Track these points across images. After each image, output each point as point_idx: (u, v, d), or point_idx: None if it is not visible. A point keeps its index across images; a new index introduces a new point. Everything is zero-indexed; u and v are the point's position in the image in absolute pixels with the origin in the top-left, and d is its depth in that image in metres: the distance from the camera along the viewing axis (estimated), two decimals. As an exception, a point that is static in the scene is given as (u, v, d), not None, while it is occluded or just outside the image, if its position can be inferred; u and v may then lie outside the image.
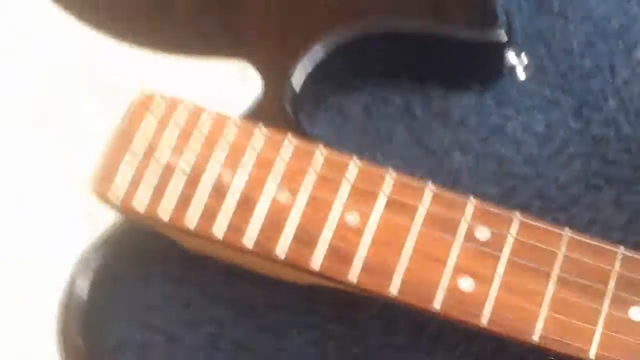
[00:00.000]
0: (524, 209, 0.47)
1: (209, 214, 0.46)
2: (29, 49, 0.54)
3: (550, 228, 0.44)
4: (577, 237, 0.43)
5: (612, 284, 0.42)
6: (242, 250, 0.46)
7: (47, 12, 0.55)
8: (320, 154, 0.47)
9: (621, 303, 0.42)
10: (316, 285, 0.48)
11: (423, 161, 0.56)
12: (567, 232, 0.43)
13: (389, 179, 0.46)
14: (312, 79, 0.53)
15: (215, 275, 0.54)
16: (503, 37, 0.54)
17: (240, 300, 0.54)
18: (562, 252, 0.43)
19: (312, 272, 0.45)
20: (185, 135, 0.48)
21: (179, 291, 0.54)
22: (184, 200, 0.46)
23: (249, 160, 0.47)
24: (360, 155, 0.50)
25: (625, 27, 0.60)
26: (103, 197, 0.48)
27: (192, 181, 0.47)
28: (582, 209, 0.54)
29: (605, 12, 0.61)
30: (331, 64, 0.54)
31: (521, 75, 0.57)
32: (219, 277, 0.54)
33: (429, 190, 0.45)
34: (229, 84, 0.52)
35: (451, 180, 0.54)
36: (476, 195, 0.46)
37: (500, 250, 0.43)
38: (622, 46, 0.59)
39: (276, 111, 0.52)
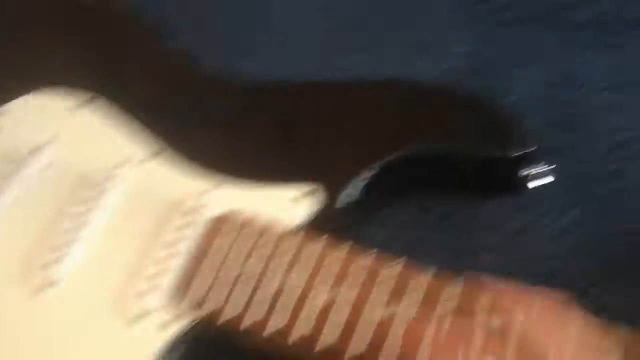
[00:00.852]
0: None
1: (268, 311, 0.55)
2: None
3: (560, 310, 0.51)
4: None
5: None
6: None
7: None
8: (369, 256, 0.56)
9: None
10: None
11: (457, 263, 0.63)
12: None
13: (423, 279, 0.54)
14: (364, 193, 0.63)
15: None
16: (525, 152, 0.64)
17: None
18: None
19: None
20: (258, 249, 0.57)
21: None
22: (260, 309, 0.55)
23: (308, 264, 0.56)
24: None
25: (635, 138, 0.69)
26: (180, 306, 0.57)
27: (257, 286, 0.56)
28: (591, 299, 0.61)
29: (622, 125, 0.69)
30: (380, 181, 0.64)
31: (542, 183, 0.66)
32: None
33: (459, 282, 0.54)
34: (294, 199, 0.62)
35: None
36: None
37: (509, 336, 0.50)
38: (635, 154, 0.68)
39: (331, 222, 0.61)
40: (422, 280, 0.54)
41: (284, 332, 0.54)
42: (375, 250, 0.56)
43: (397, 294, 0.54)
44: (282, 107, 0.69)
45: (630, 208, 0.65)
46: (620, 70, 0.73)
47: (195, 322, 0.56)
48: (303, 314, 0.54)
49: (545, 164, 0.68)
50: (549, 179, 0.67)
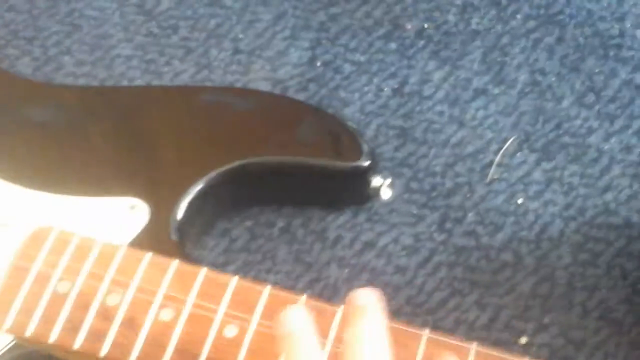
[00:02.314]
0: (396, 314, 0.51)
1: (96, 335, 0.49)
2: None
3: (410, 329, 0.48)
4: (434, 336, 0.47)
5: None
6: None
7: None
8: (201, 274, 0.50)
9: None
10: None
11: (303, 276, 0.60)
12: (426, 333, 0.47)
13: (265, 294, 0.49)
14: (196, 207, 0.58)
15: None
16: (364, 164, 0.61)
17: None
18: (420, 350, 0.47)
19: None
20: (75, 265, 0.51)
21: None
22: (73, 324, 0.49)
23: (133, 285, 0.50)
24: (245, 273, 0.54)
25: (480, 150, 0.67)
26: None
27: (81, 306, 0.50)
28: (448, 312, 0.58)
29: (462, 137, 0.68)
30: (214, 194, 0.59)
31: (385, 196, 0.64)
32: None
33: (301, 301, 0.49)
34: (119, 213, 0.57)
35: (329, 292, 0.59)
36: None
37: None
38: (478, 167, 0.67)
39: (162, 238, 0.56)
40: (260, 299, 0.49)
41: (123, 353, 0.48)
42: (205, 267, 0.51)
43: (235, 311, 0.49)
44: (107, 115, 0.63)
45: (474, 222, 0.63)
46: (456, 83, 0.71)
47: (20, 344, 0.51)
48: (134, 335, 0.49)
49: (390, 176, 0.65)
50: (392, 192, 0.65)
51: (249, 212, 0.63)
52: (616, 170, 0.66)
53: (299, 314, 0.43)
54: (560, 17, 0.76)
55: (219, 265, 0.60)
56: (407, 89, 0.72)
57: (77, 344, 0.49)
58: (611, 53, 0.73)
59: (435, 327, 0.49)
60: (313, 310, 0.48)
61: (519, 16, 0.76)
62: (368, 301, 0.43)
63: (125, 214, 0.56)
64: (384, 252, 0.62)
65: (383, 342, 0.42)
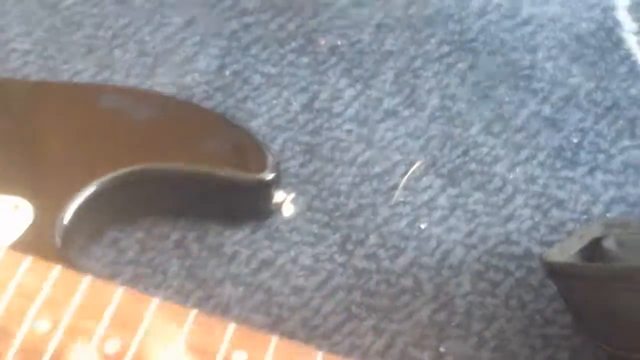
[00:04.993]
0: (290, 337, 0.49)
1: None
2: None
3: (305, 350, 0.46)
4: (329, 357, 0.46)
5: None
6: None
7: None
8: (84, 283, 0.47)
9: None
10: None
11: (195, 292, 0.58)
12: (320, 355, 0.46)
13: (152, 307, 0.47)
14: (85, 212, 0.55)
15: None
16: (268, 177, 0.59)
17: None
18: None
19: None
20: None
21: None
22: None
23: (8, 291, 0.46)
24: (134, 287, 0.51)
25: (387, 171, 0.66)
26: None
27: None
28: (343, 337, 0.56)
29: (369, 157, 0.67)
30: (105, 199, 0.56)
31: (288, 212, 0.62)
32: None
33: (191, 316, 0.47)
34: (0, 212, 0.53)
35: (221, 310, 0.57)
36: (244, 324, 0.48)
37: None
38: (384, 188, 0.65)
39: (46, 243, 0.52)
40: (146, 312, 0.46)
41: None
42: (88, 275, 0.47)
43: (119, 325, 0.45)
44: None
45: (376, 244, 0.62)
46: (366, 103, 0.70)
47: None
48: (4, 347, 0.45)
49: (293, 193, 0.63)
50: (294, 208, 0.63)
51: (142, 222, 0.60)
52: (519, 200, 0.66)
53: None
54: (474, 44, 0.76)
55: (106, 277, 0.56)
56: (316, 104, 0.70)
57: None
58: (521, 83, 0.73)
59: (330, 352, 0.47)
60: (203, 325, 0.46)
61: (433, 40, 0.76)
62: None
63: (7, 214, 0.53)
64: (281, 272, 0.59)
65: None
